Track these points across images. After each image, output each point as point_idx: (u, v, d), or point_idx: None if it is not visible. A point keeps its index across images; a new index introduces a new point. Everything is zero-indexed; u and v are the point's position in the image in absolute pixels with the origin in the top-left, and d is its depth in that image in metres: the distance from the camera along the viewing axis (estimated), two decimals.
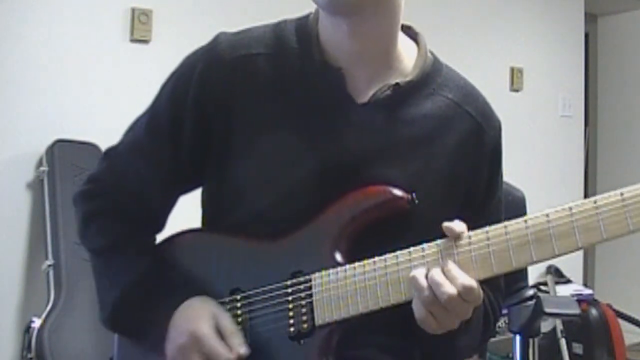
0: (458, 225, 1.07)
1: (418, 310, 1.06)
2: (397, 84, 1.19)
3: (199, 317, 1.13)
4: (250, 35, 1.22)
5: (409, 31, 1.25)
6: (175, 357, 1.13)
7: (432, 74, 1.23)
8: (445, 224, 1.07)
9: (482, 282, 1.06)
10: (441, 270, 1.04)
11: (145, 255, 1.23)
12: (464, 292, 1.03)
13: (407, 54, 1.23)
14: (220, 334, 1.12)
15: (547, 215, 1.03)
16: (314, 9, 1.22)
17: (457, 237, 1.06)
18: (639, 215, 0.99)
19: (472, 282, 1.03)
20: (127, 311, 1.19)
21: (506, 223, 1.05)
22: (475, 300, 1.05)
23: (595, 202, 1.01)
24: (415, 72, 1.21)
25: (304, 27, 1.22)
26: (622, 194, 1.00)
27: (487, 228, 1.06)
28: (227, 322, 1.13)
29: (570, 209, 1.02)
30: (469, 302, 1.04)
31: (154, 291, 1.19)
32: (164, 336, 1.15)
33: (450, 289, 1.02)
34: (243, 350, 1.11)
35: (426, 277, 1.04)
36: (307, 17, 1.24)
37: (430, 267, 1.06)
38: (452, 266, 1.04)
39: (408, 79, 1.20)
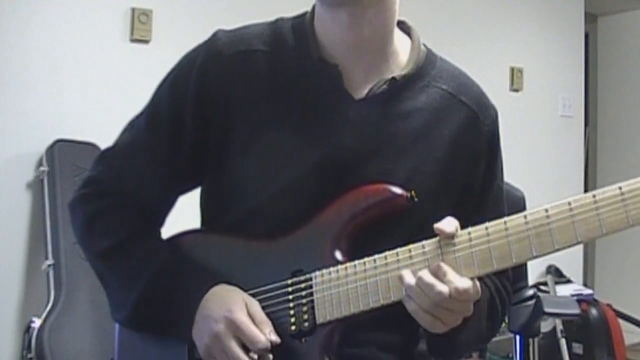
0: (448, 225, 1.07)
1: (419, 315, 1.06)
2: (393, 78, 1.19)
3: (232, 304, 1.11)
4: (249, 32, 1.23)
5: (402, 26, 1.26)
6: (210, 345, 1.10)
7: (426, 67, 1.23)
8: (436, 225, 1.06)
9: None
10: (430, 272, 1.04)
11: (160, 249, 1.22)
12: (458, 295, 1.03)
13: (402, 49, 1.23)
14: (252, 320, 1.11)
15: (547, 211, 1.04)
16: (310, 8, 1.23)
17: (449, 237, 1.06)
18: (638, 209, 1.00)
19: (465, 284, 1.03)
20: (152, 304, 1.17)
21: (506, 219, 1.06)
22: (473, 298, 1.05)
23: (594, 196, 1.02)
24: (410, 65, 1.21)
25: (301, 25, 1.23)
26: (620, 188, 1.01)
27: (487, 224, 1.06)
28: (258, 310, 1.12)
29: (569, 203, 1.03)
30: (467, 301, 1.05)
31: (179, 280, 1.16)
32: (191, 326, 1.13)
33: (442, 287, 1.02)
34: (275, 338, 1.10)
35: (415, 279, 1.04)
36: (303, 15, 1.25)
37: (431, 264, 1.06)
38: (446, 269, 1.04)
39: (403, 72, 1.20)
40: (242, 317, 1.09)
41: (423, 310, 1.04)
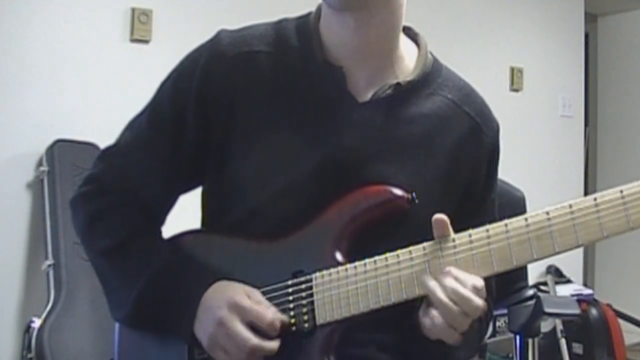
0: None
1: (438, 324, 1.05)
2: (398, 83, 1.19)
3: (233, 292, 1.11)
4: (252, 33, 1.23)
5: (409, 32, 1.26)
6: (215, 332, 1.10)
7: (432, 75, 1.23)
8: (436, 215, 1.07)
9: None
10: (453, 279, 1.04)
11: (161, 248, 1.22)
12: (477, 293, 1.03)
13: (407, 54, 1.24)
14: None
15: (547, 213, 1.04)
16: (314, 8, 1.23)
17: (446, 225, 1.06)
18: (639, 213, 1.00)
19: (481, 282, 1.04)
20: (153, 302, 1.16)
21: (506, 221, 1.06)
22: (483, 297, 1.05)
23: (595, 199, 1.02)
24: (416, 72, 1.22)
25: (305, 26, 1.22)
26: (621, 192, 1.01)
27: (488, 226, 1.06)
28: (261, 297, 1.12)
29: (570, 206, 1.03)
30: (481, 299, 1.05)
31: (180, 279, 1.16)
32: (192, 325, 1.12)
33: (477, 300, 1.02)
34: (282, 316, 1.11)
35: (442, 290, 1.04)
36: (307, 16, 1.24)
37: (432, 266, 1.06)
38: (457, 272, 1.05)
39: (409, 78, 1.20)
40: (244, 299, 1.10)
41: (448, 324, 1.04)
